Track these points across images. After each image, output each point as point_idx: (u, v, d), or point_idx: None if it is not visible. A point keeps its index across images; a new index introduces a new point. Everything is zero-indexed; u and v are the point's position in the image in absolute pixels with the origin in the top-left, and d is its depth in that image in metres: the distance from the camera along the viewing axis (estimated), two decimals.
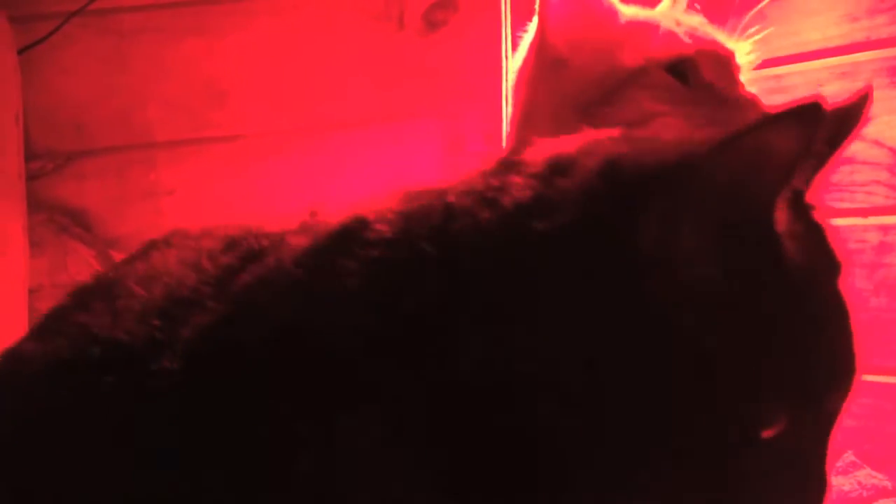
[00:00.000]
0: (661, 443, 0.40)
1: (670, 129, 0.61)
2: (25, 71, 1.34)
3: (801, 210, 0.46)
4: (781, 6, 1.25)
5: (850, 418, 1.25)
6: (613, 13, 0.69)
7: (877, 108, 1.22)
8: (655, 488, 0.41)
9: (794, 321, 0.45)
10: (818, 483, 0.47)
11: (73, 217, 1.42)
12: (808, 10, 1.25)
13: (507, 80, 1.03)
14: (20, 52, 1.33)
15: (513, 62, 0.76)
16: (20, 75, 1.34)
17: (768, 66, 1.29)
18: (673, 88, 0.67)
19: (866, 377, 1.25)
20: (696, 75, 0.67)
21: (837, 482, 1.17)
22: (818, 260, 0.48)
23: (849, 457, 1.21)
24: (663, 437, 0.40)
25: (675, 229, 0.40)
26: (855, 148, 1.22)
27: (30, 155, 1.39)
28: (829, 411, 0.49)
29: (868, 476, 1.18)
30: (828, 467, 0.48)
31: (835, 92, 1.24)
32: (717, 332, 0.41)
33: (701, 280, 0.41)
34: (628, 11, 0.71)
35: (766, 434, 0.43)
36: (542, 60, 0.71)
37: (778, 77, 1.25)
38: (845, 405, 0.52)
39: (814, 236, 0.48)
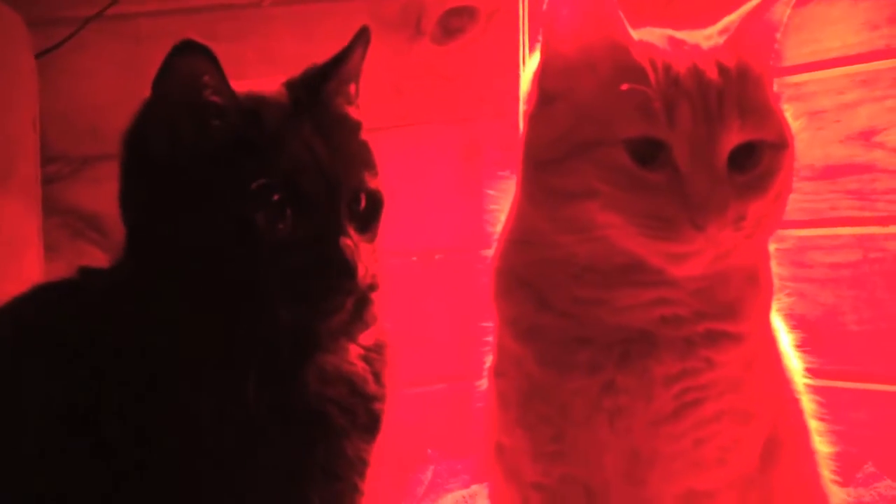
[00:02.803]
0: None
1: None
2: (42, 75, 1.35)
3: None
4: (801, 14, 1.24)
5: (869, 429, 1.25)
6: (624, 31, 0.68)
7: None
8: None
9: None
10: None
11: (88, 221, 1.43)
12: (828, 18, 1.24)
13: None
14: (37, 56, 1.34)
15: (521, 87, 0.75)
16: (37, 79, 1.34)
17: (788, 73, 1.28)
18: (623, 170, 0.65)
19: (887, 388, 1.24)
20: (664, 157, 0.65)
21: (857, 493, 1.16)
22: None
23: (869, 468, 1.20)
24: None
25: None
26: (875, 156, 1.21)
27: (46, 159, 1.39)
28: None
29: (888, 487, 1.17)
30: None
31: (855, 99, 1.24)
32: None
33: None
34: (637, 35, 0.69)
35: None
36: (538, 94, 0.71)
37: (798, 85, 1.24)
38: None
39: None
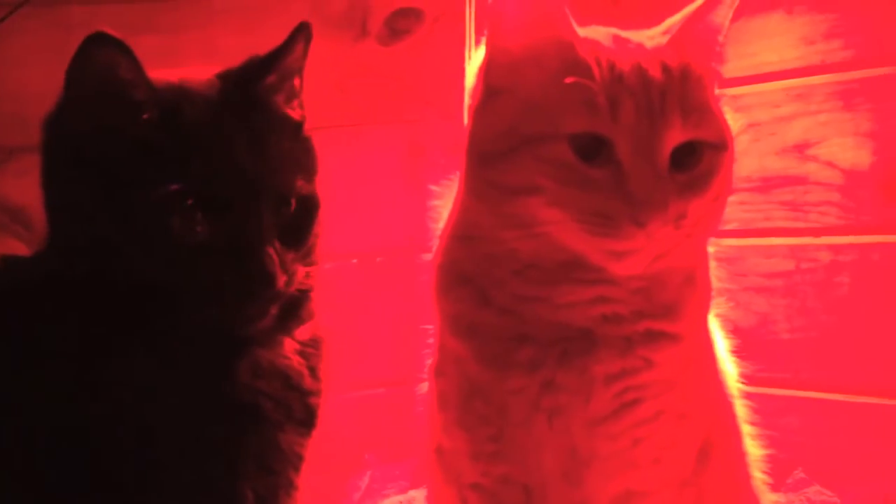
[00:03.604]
0: None
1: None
2: None
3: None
4: (740, 28, 1.27)
5: (799, 435, 1.28)
6: (570, 28, 0.68)
7: (829, 130, 1.26)
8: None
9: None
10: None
11: (13, 215, 1.37)
12: (765, 33, 1.27)
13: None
14: None
15: (467, 80, 0.75)
16: None
17: (727, 85, 1.30)
18: (567, 166, 0.65)
19: (817, 395, 1.28)
20: (607, 153, 0.65)
21: (788, 499, 1.19)
22: None
23: (799, 473, 1.23)
24: None
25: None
26: (808, 168, 1.24)
27: None
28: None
29: (817, 493, 1.20)
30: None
31: (791, 113, 1.27)
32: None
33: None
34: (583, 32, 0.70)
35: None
36: (482, 89, 0.71)
37: (735, 97, 1.27)
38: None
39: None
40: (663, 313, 0.71)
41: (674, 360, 0.71)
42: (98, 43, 0.63)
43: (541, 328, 0.70)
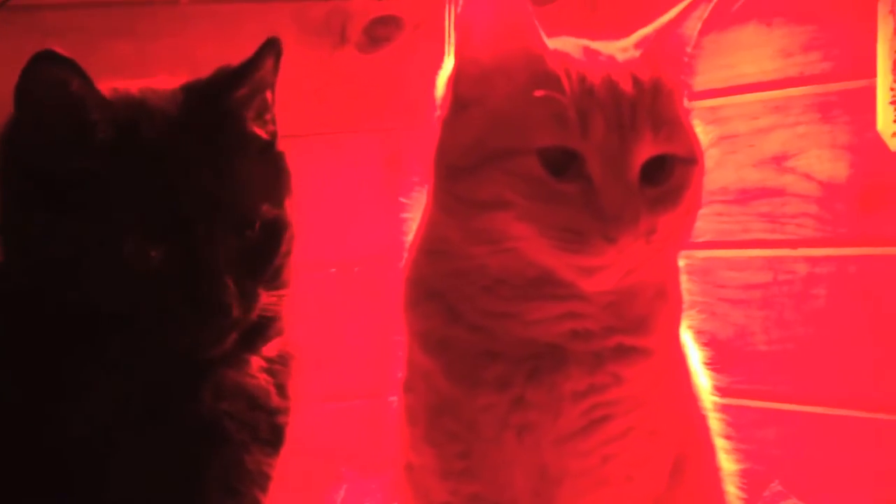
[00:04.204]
0: None
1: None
2: None
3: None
4: (718, 39, 1.27)
5: (777, 448, 1.27)
6: (539, 40, 0.67)
7: (807, 142, 1.26)
8: None
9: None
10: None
11: None
12: (744, 44, 1.27)
13: None
14: None
15: (436, 91, 0.74)
16: None
17: (704, 97, 1.31)
18: (536, 180, 0.64)
19: (794, 407, 1.28)
20: (577, 168, 0.65)
21: None
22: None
23: (776, 486, 1.22)
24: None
25: None
26: (785, 180, 1.25)
27: None
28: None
29: None
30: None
31: (769, 125, 1.27)
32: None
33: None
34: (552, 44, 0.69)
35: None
36: (451, 100, 0.70)
37: (713, 109, 1.27)
38: None
39: None
40: (634, 328, 0.70)
41: (644, 375, 0.70)
42: (46, 61, 0.61)
43: (510, 345, 0.69)
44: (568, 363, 0.68)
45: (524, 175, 0.64)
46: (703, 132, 0.72)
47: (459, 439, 0.71)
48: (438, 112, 0.71)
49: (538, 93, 0.64)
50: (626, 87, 0.65)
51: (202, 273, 0.63)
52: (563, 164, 0.64)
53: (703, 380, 0.81)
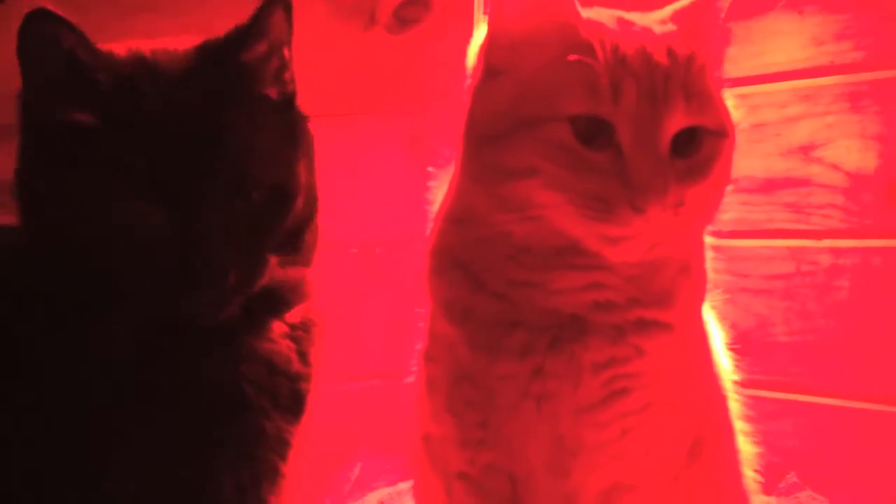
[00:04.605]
0: None
1: None
2: None
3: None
4: (750, 27, 1.26)
5: (792, 439, 1.26)
6: (573, 10, 0.67)
7: (835, 132, 1.24)
8: None
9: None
10: None
11: (7, 193, 1.37)
12: (774, 32, 1.26)
13: None
14: None
15: (468, 60, 0.74)
16: None
17: (734, 85, 1.29)
18: (566, 148, 0.64)
19: (812, 399, 1.27)
20: (608, 137, 0.65)
21: (779, 502, 1.18)
22: None
23: (791, 478, 1.22)
24: None
25: None
26: (812, 170, 1.23)
27: None
28: None
29: (809, 497, 1.19)
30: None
31: (797, 114, 1.25)
32: None
33: None
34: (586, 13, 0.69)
35: None
36: (483, 68, 0.70)
37: (743, 97, 1.25)
38: None
39: None
40: (656, 302, 0.70)
41: (665, 349, 0.70)
42: (38, 19, 0.61)
43: (533, 314, 0.69)
44: (589, 334, 0.69)
45: (554, 143, 0.64)
46: (734, 109, 0.72)
47: (478, 408, 0.71)
48: (469, 81, 0.71)
49: (571, 57, 0.64)
50: (661, 58, 0.65)
51: (196, 238, 0.61)
52: (593, 132, 0.64)
53: (724, 361, 0.81)
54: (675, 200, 0.64)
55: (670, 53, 0.66)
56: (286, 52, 0.69)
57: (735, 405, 0.82)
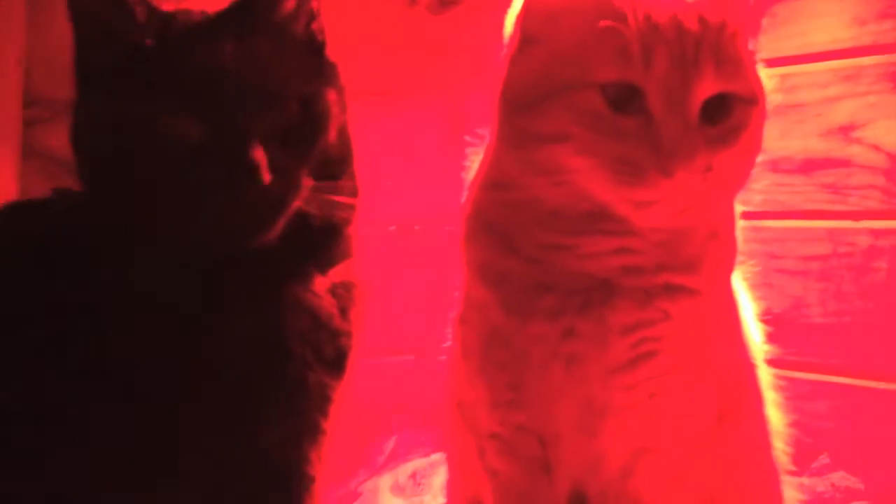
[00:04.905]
0: None
1: None
2: (32, 16, 1.34)
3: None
4: (790, 7, 1.25)
5: (826, 421, 1.25)
6: None
7: (877, 112, 1.23)
8: None
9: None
10: None
11: (67, 168, 1.42)
12: (816, 12, 1.24)
13: None
14: None
15: (504, 29, 0.75)
16: (25, 19, 1.33)
17: (773, 65, 1.28)
18: (597, 114, 0.66)
19: (846, 380, 1.26)
20: (639, 103, 0.66)
21: (811, 483, 1.18)
22: None
23: (824, 459, 1.21)
24: None
25: None
26: (852, 151, 1.22)
27: (28, 101, 1.38)
28: None
29: (842, 478, 1.18)
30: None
31: (838, 94, 1.24)
32: None
33: None
34: None
35: None
36: (519, 37, 0.72)
37: (784, 77, 1.25)
38: None
39: None
40: (684, 267, 0.71)
41: (691, 314, 0.71)
42: None
43: (563, 277, 0.70)
44: (618, 297, 0.70)
45: (586, 109, 0.66)
46: (765, 77, 0.73)
47: (510, 370, 0.73)
48: (506, 50, 0.73)
49: (603, 24, 0.65)
50: (692, 25, 0.66)
51: (237, 148, 0.65)
52: (624, 98, 0.66)
53: (754, 332, 0.82)
54: (704, 165, 0.66)
55: (702, 21, 0.67)
56: (314, 4, 0.73)
57: (765, 376, 0.82)
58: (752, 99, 0.69)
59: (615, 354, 0.70)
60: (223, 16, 0.69)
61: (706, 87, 0.66)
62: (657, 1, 0.68)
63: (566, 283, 0.70)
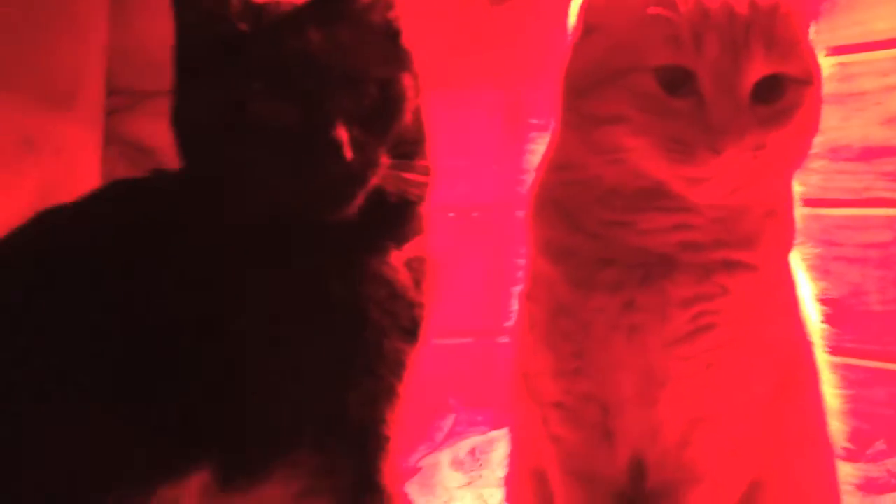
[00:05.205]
0: None
1: None
2: (114, 9, 1.40)
3: None
4: None
5: (883, 408, 1.26)
6: None
7: None
8: None
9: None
10: None
11: (146, 154, 1.48)
12: (877, 0, 1.24)
13: None
14: None
15: (569, 20, 0.79)
16: (108, 10, 1.40)
17: (834, 53, 1.28)
18: (651, 97, 0.69)
19: None
20: (691, 86, 0.69)
21: (867, 469, 1.19)
22: None
23: (880, 445, 1.22)
24: None
25: None
26: None
27: (110, 91, 1.45)
28: None
29: None
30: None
31: None
32: None
33: None
34: None
35: None
36: (581, 27, 0.76)
37: (843, 65, 1.25)
38: None
39: None
40: (741, 243, 0.74)
41: (748, 289, 0.74)
42: None
43: (624, 252, 0.74)
44: (677, 271, 0.73)
45: (640, 92, 0.70)
46: (822, 59, 0.75)
47: (574, 340, 0.77)
48: (570, 38, 0.77)
49: (651, 10, 0.69)
50: (742, 9, 0.69)
51: (321, 126, 0.70)
52: (677, 81, 0.69)
53: (812, 312, 0.84)
54: (753, 143, 0.68)
55: (752, 5, 0.69)
56: None
57: (822, 355, 0.84)
58: (806, 79, 0.72)
59: (674, 326, 0.74)
60: (310, 6, 0.74)
61: (756, 69, 0.69)
62: None
63: (627, 258, 0.74)
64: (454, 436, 1.46)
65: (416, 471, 1.34)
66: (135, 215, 0.76)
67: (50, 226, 0.77)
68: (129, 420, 0.70)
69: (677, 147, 0.68)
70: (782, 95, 0.70)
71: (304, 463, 0.73)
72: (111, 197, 0.80)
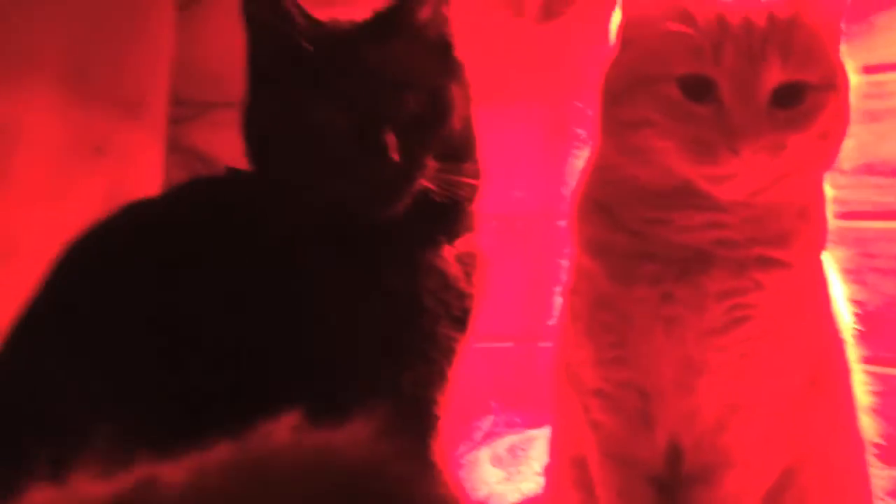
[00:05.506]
0: None
1: None
2: (180, 24, 1.49)
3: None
4: (890, 14, 1.29)
5: None
6: None
7: None
8: None
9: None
10: None
11: (206, 163, 1.55)
12: None
13: None
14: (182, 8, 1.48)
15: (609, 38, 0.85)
16: (174, 20, 1.48)
17: (871, 72, 1.31)
18: (676, 103, 0.75)
19: None
20: (712, 93, 0.74)
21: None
22: None
23: None
24: None
25: None
26: None
27: (174, 101, 1.53)
28: None
29: None
30: None
31: None
32: None
33: None
34: None
35: None
36: (619, 42, 0.82)
37: (880, 83, 1.29)
38: None
39: None
40: (775, 241, 0.78)
41: (782, 284, 0.79)
42: None
43: (663, 247, 0.79)
44: (713, 266, 0.78)
45: (665, 98, 0.76)
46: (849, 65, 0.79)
47: (615, 330, 0.82)
48: (609, 52, 0.83)
49: (672, 27, 0.75)
50: (760, 21, 0.74)
51: (372, 132, 0.77)
52: (699, 89, 0.75)
53: (843, 311, 0.88)
54: (772, 144, 0.73)
55: (770, 17, 0.74)
56: (444, 9, 0.84)
57: (853, 352, 0.88)
58: (828, 85, 0.76)
59: (710, 318, 0.78)
60: (368, 24, 0.81)
61: (773, 76, 0.74)
62: (732, 3, 0.76)
63: (665, 253, 0.79)
64: (493, 436, 1.51)
65: (458, 466, 1.39)
66: (215, 209, 0.84)
67: (144, 215, 0.85)
68: (237, 376, 0.77)
69: (699, 148, 0.74)
70: (802, 100, 0.75)
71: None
72: (191, 191, 0.88)
